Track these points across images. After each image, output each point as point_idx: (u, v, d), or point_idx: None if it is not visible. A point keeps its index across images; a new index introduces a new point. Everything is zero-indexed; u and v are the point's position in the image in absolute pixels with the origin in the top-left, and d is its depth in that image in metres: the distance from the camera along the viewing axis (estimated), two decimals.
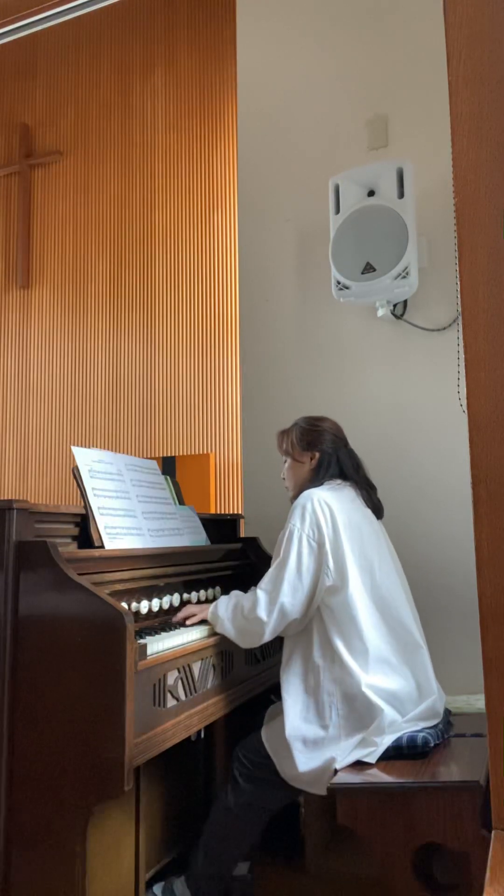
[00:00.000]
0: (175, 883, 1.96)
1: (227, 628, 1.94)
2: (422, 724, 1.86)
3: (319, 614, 1.93)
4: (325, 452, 2.13)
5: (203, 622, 1.99)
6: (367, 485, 2.17)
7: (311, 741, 1.83)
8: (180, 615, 2.01)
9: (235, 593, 2.01)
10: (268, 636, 1.91)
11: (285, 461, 2.21)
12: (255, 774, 1.94)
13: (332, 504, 1.98)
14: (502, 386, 0.95)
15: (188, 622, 1.98)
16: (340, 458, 2.14)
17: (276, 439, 2.23)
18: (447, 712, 2.03)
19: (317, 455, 2.13)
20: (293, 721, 1.86)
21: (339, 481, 2.10)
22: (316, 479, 2.10)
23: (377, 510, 2.15)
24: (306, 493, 2.01)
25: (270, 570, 1.95)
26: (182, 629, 1.90)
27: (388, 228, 2.65)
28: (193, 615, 2.00)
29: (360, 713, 1.83)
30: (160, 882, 1.99)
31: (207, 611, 2.00)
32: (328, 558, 1.92)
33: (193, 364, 3.76)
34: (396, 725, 1.82)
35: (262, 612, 1.89)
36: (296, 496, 2.11)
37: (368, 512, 2.10)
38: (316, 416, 2.24)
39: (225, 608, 1.96)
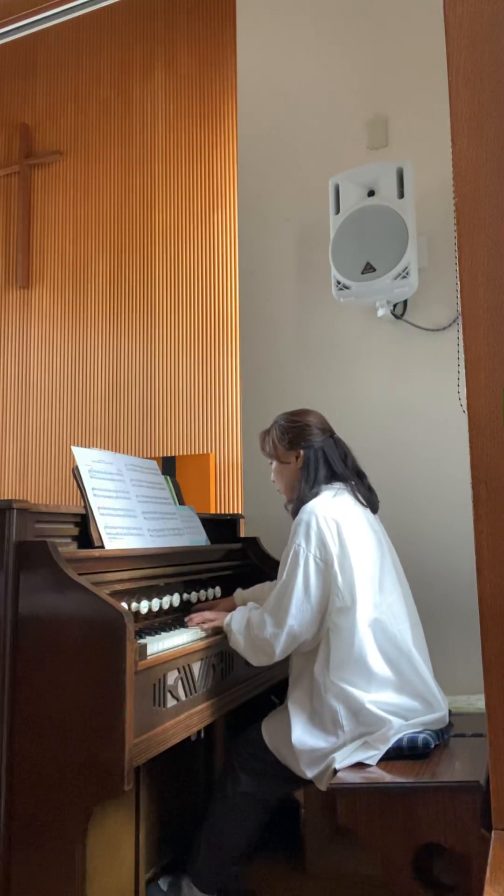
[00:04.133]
0: (184, 880, 1.96)
1: (240, 643, 1.89)
2: (422, 726, 1.85)
3: (326, 631, 1.88)
4: (311, 448, 2.05)
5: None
6: (358, 475, 2.09)
7: (320, 752, 1.82)
8: (195, 619, 1.96)
9: (250, 606, 1.96)
10: (278, 657, 1.86)
11: (272, 464, 2.14)
12: (254, 766, 1.94)
13: (339, 519, 1.91)
14: (502, 386, 0.94)
15: (203, 626, 1.94)
16: (327, 452, 2.05)
17: (259, 441, 2.17)
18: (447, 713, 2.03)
19: (301, 453, 2.05)
20: (299, 735, 1.84)
21: (336, 485, 2.03)
22: (308, 480, 2.02)
23: (372, 504, 2.08)
24: (309, 507, 1.93)
25: (275, 593, 1.89)
26: (182, 629, 1.90)
27: (388, 228, 2.65)
28: (210, 621, 1.96)
29: (366, 724, 1.81)
30: (167, 876, 1.99)
31: (223, 620, 1.95)
32: (337, 578, 1.85)
33: (193, 364, 3.76)
34: (400, 729, 1.81)
35: (269, 636, 1.84)
36: (291, 500, 2.07)
37: (368, 513, 2.05)
38: (296, 410, 2.15)
39: (238, 622, 1.91)
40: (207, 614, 1.99)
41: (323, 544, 1.87)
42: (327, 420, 2.16)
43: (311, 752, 1.82)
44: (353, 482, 2.06)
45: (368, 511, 2.05)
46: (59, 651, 1.53)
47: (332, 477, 2.05)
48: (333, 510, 1.93)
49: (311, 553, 1.86)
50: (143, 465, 2.30)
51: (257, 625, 1.87)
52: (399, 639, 1.89)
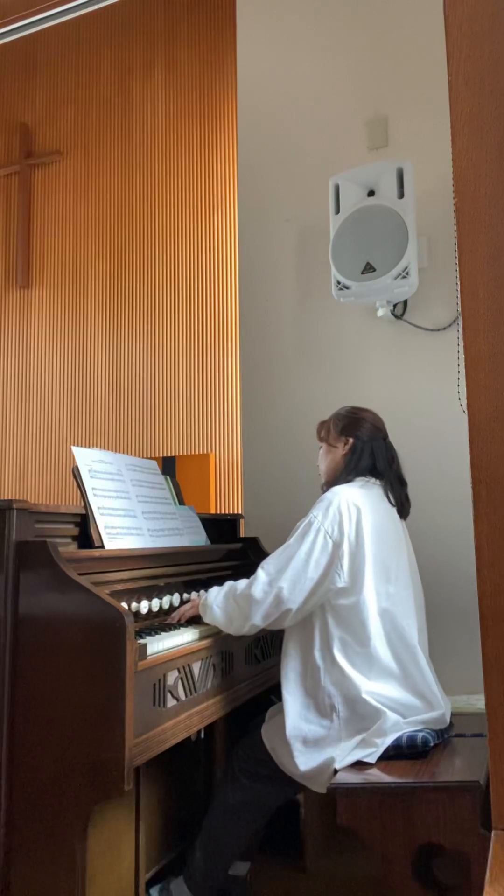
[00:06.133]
0: (173, 883, 1.96)
1: (216, 613, 1.89)
2: (422, 724, 1.85)
3: (324, 613, 1.89)
4: (360, 440, 2.08)
5: (197, 618, 1.97)
6: (399, 481, 2.10)
7: (312, 741, 1.82)
8: (174, 616, 1.99)
9: (229, 583, 1.96)
10: (258, 619, 1.84)
11: (320, 447, 2.17)
12: (254, 771, 1.93)
13: (361, 506, 1.92)
14: (502, 386, 0.94)
15: (182, 618, 1.96)
16: (375, 449, 2.08)
17: (316, 429, 2.20)
18: None
19: (350, 441, 2.08)
20: (293, 720, 1.85)
21: (370, 479, 2.05)
22: (348, 467, 2.06)
23: (402, 509, 2.08)
24: (336, 489, 1.96)
25: (276, 553, 1.89)
26: (182, 629, 1.90)
27: (388, 228, 2.65)
28: (187, 611, 1.98)
29: (361, 715, 1.81)
30: (157, 884, 1.99)
31: (197, 603, 1.96)
32: (343, 560, 1.86)
33: (193, 364, 3.76)
34: (398, 726, 1.80)
35: (257, 592, 1.83)
36: (327, 482, 2.10)
37: (394, 512, 2.04)
38: (359, 405, 2.20)
39: (215, 595, 1.92)
40: (183, 607, 2.00)
41: (339, 525, 1.88)
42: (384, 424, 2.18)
43: (304, 741, 1.82)
44: (391, 484, 2.07)
45: (395, 511, 2.06)
46: (59, 651, 1.53)
47: (373, 472, 2.07)
48: (358, 498, 1.95)
49: (323, 527, 1.87)
50: (143, 465, 2.30)
51: (245, 584, 1.87)
52: (406, 633, 1.90)
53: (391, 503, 2.04)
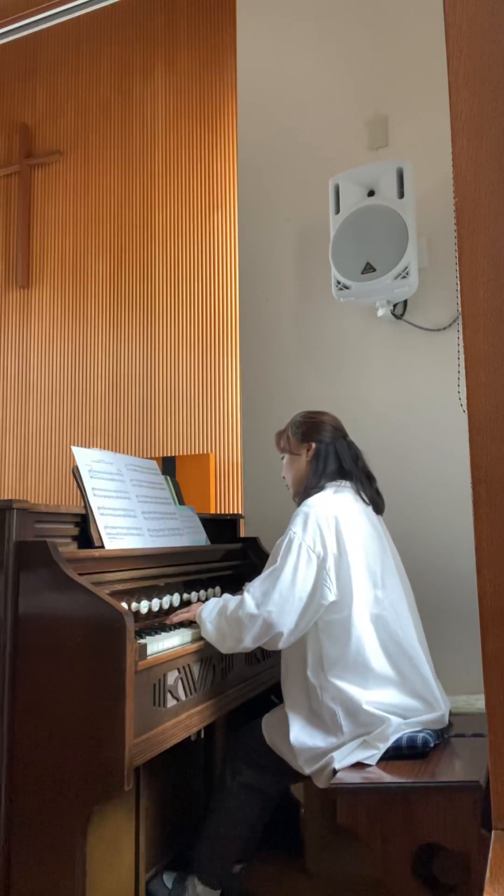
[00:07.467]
0: (188, 879, 1.95)
1: (208, 630, 1.84)
2: (421, 726, 1.85)
3: (316, 631, 1.86)
4: (322, 443, 2.06)
5: (193, 623, 1.95)
6: (367, 477, 2.09)
7: (319, 751, 1.81)
8: (172, 618, 1.96)
9: (225, 596, 1.93)
10: (248, 643, 1.79)
11: (283, 458, 2.15)
12: (254, 758, 1.94)
13: (338, 514, 1.89)
14: (502, 386, 0.94)
15: (174, 620, 1.93)
16: (338, 449, 2.07)
17: (275, 440, 2.18)
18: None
19: (313, 446, 2.06)
20: (297, 734, 1.83)
21: (340, 482, 2.03)
22: (316, 473, 2.03)
23: (377, 505, 2.07)
24: (310, 501, 1.93)
25: (261, 575, 1.86)
26: (182, 629, 1.90)
27: (388, 228, 2.65)
28: (182, 616, 1.96)
29: (366, 724, 1.80)
30: (171, 872, 1.99)
31: (195, 611, 1.92)
32: (329, 573, 1.83)
33: (193, 364, 3.76)
34: (400, 728, 1.80)
35: (244, 616, 1.79)
36: (297, 493, 2.07)
37: (370, 511, 2.03)
38: (313, 410, 2.18)
39: (209, 612, 1.87)
40: (181, 611, 1.98)
41: (320, 538, 1.85)
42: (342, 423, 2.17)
43: (309, 751, 1.82)
44: (360, 482, 2.06)
45: (371, 510, 2.04)
46: (59, 651, 1.53)
47: (341, 473, 2.05)
48: (333, 506, 1.93)
49: (304, 542, 1.84)
50: (143, 465, 2.30)
51: (234, 605, 1.82)
52: (401, 636, 1.88)
53: (365, 502, 2.03)
